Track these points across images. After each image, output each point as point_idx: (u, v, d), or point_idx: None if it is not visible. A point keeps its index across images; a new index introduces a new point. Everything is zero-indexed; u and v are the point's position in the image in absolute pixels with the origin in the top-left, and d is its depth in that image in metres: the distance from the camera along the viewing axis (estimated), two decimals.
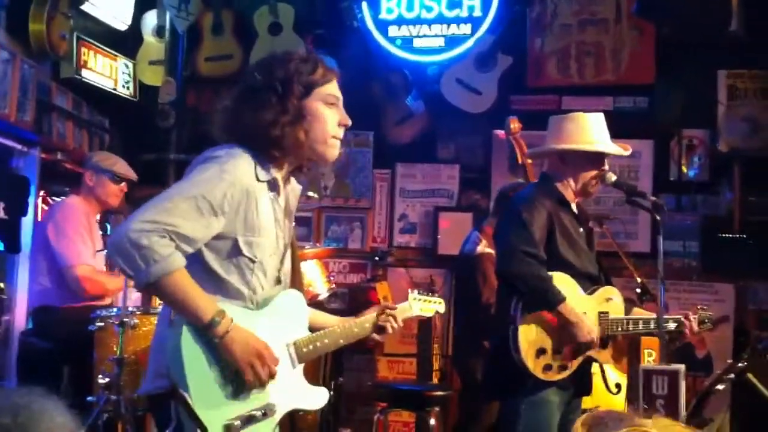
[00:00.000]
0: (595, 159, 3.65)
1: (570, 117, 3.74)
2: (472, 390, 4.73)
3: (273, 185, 2.48)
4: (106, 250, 2.35)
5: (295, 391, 2.54)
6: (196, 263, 2.37)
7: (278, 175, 2.50)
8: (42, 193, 5.64)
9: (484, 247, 4.75)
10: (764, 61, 5.79)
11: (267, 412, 2.38)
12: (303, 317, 2.62)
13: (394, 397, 5.10)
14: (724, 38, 5.65)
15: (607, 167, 3.67)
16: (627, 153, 3.76)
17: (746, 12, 5.62)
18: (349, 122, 2.57)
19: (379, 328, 2.81)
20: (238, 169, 2.38)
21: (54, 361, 4.56)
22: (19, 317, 5.23)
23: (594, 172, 3.65)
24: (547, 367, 3.45)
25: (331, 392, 5.23)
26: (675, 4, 5.52)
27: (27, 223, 5.27)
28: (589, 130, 3.66)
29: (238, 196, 2.37)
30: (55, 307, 4.63)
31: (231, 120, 2.50)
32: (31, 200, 5.34)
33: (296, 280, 2.68)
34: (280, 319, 2.51)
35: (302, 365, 2.56)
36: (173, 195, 2.32)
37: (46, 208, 5.50)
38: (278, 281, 2.54)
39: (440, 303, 3.17)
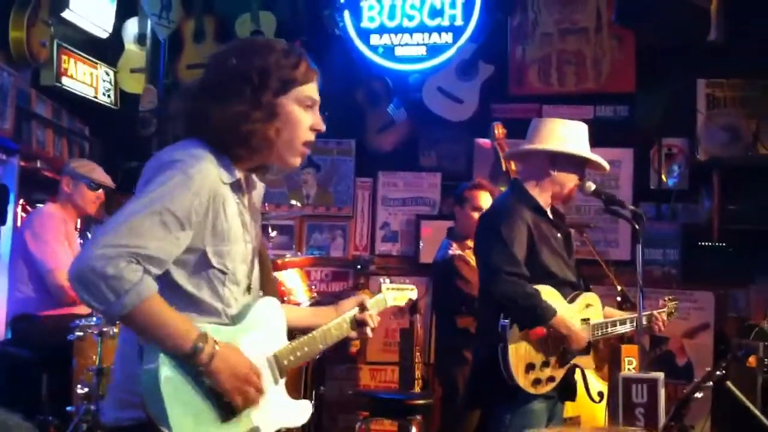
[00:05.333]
0: (581, 166, 3.68)
1: (562, 121, 3.74)
2: (453, 398, 4.73)
3: (237, 186, 2.28)
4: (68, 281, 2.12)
5: (280, 409, 2.39)
6: (164, 282, 2.15)
7: (241, 175, 2.29)
8: (21, 201, 5.60)
9: (455, 250, 4.85)
10: (743, 70, 5.84)
11: None
12: (281, 326, 2.45)
13: (376, 405, 5.08)
14: (703, 47, 5.70)
15: (586, 176, 3.70)
16: (607, 168, 3.80)
17: (725, 21, 5.67)
18: (323, 128, 2.36)
19: (358, 324, 2.63)
20: (202, 174, 2.15)
21: (33, 370, 4.52)
22: None
23: (577, 179, 3.67)
24: (537, 381, 3.46)
25: (313, 401, 5.22)
26: (654, 13, 5.55)
27: (6, 231, 5.23)
28: (582, 137, 3.69)
29: (205, 203, 2.16)
30: (34, 316, 4.60)
31: (194, 110, 2.26)
32: (10, 208, 5.30)
33: (269, 286, 2.53)
34: (259, 332, 2.33)
35: (284, 379, 2.41)
36: (135, 212, 2.08)
37: (25, 216, 5.46)
38: (248, 290, 2.35)
39: (413, 290, 3.00)
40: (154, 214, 2.08)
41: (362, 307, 2.65)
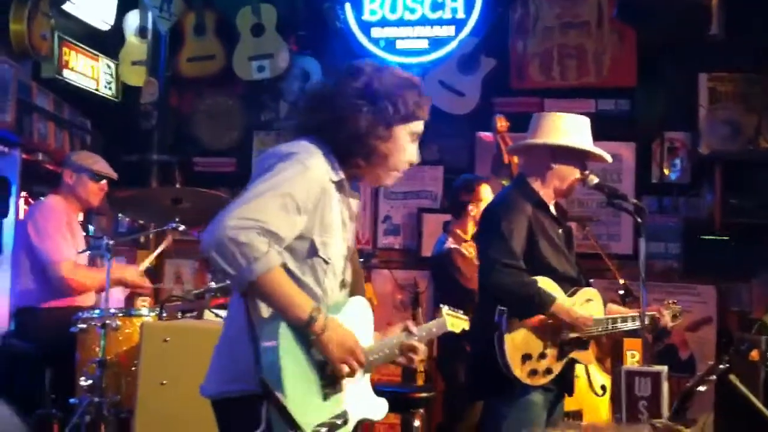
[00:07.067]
0: (582, 159, 3.67)
1: (564, 115, 3.73)
2: (455, 391, 4.74)
3: (341, 186, 2.50)
4: (201, 249, 2.30)
5: (364, 400, 2.57)
6: None
7: (344, 176, 2.51)
8: (23, 194, 5.59)
9: (451, 243, 4.86)
10: (744, 64, 5.84)
11: (345, 419, 2.42)
12: (369, 325, 2.63)
13: None
14: (704, 41, 5.70)
15: (588, 170, 3.69)
16: (609, 160, 3.80)
17: (726, 15, 5.67)
18: (416, 161, 2.62)
19: (406, 350, 2.69)
20: (317, 167, 2.40)
21: (36, 363, 4.52)
22: (1, 319, 5.19)
23: (578, 173, 3.66)
24: (533, 372, 3.45)
25: None
26: (655, 8, 5.56)
27: (8, 224, 5.23)
28: (583, 130, 3.68)
29: (317, 194, 2.39)
30: (37, 309, 4.60)
31: (326, 112, 2.49)
32: (12, 201, 5.30)
33: (359, 286, 2.68)
34: (351, 327, 2.48)
35: (369, 375, 2.60)
36: (259, 194, 2.30)
37: (27, 208, 5.46)
38: (343, 285, 2.56)
39: (466, 321, 3.19)
40: (276, 196, 2.31)
41: (408, 333, 2.72)
